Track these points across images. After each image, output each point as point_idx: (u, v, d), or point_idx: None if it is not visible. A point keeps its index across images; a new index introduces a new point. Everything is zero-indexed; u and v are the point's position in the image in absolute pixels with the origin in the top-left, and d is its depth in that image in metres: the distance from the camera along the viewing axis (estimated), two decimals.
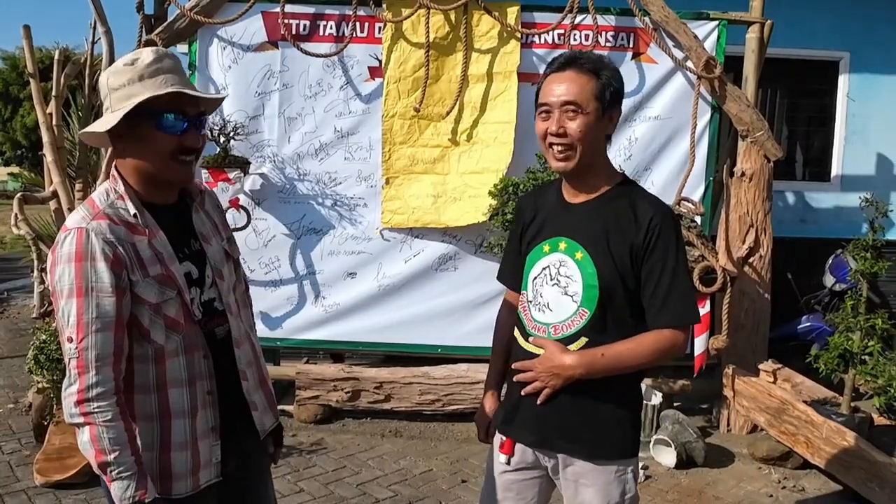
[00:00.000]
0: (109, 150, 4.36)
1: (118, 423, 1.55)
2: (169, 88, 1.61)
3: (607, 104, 1.86)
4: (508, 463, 2.05)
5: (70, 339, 1.55)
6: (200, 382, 1.70)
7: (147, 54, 1.63)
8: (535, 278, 1.96)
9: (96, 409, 1.54)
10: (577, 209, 1.94)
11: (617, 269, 1.85)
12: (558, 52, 4.44)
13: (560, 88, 1.84)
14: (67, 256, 1.55)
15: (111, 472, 1.55)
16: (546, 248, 1.95)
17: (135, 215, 1.63)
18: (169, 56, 1.66)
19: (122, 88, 1.61)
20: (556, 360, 1.87)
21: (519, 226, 2.10)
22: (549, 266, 1.93)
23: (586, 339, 1.88)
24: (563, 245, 1.92)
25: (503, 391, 2.16)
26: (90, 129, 1.66)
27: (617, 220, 1.87)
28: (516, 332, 2.03)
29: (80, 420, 1.55)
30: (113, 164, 1.70)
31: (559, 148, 1.86)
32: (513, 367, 1.99)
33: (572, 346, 1.88)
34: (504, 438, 2.05)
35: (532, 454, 2.03)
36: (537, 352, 1.94)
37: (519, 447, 2.03)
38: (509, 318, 2.14)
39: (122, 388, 1.58)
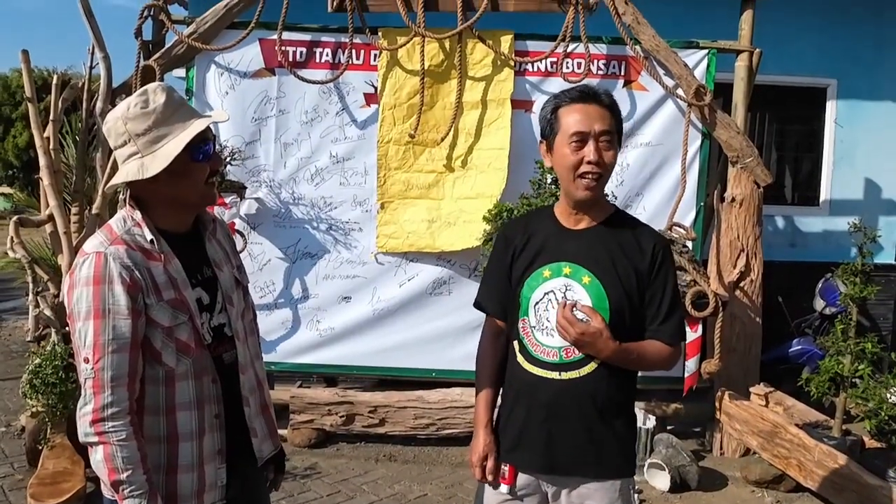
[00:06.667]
0: (105, 175, 4.45)
1: (131, 442, 1.59)
2: (196, 123, 1.68)
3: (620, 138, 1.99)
4: (510, 493, 2.03)
5: (86, 360, 1.60)
6: (208, 406, 1.74)
7: (158, 95, 1.68)
8: (538, 303, 1.98)
9: (111, 429, 1.58)
10: (580, 235, 1.99)
11: (625, 291, 1.94)
12: (551, 80, 4.60)
13: (595, 118, 1.90)
14: (86, 280, 1.60)
15: (123, 490, 1.59)
16: (546, 272, 1.98)
17: (151, 241, 1.69)
18: (172, 89, 1.73)
19: (149, 132, 1.66)
20: (600, 341, 1.89)
21: (508, 252, 2.07)
22: (553, 291, 1.96)
23: (597, 364, 1.93)
24: (567, 270, 1.97)
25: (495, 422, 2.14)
26: (131, 177, 1.65)
27: (621, 247, 1.97)
28: (519, 358, 2.02)
29: (95, 439, 1.59)
30: (127, 195, 1.74)
31: (594, 176, 1.91)
32: (560, 320, 1.90)
33: (584, 369, 1.94)
34: (507, 468, 2.03)
35: (535, 480, 2.03)
36: (542, 374, 1.96)
37: (520, 475, 2.03)
38: (494, 346, 2.12)
39: (135, 409, 1.63)
